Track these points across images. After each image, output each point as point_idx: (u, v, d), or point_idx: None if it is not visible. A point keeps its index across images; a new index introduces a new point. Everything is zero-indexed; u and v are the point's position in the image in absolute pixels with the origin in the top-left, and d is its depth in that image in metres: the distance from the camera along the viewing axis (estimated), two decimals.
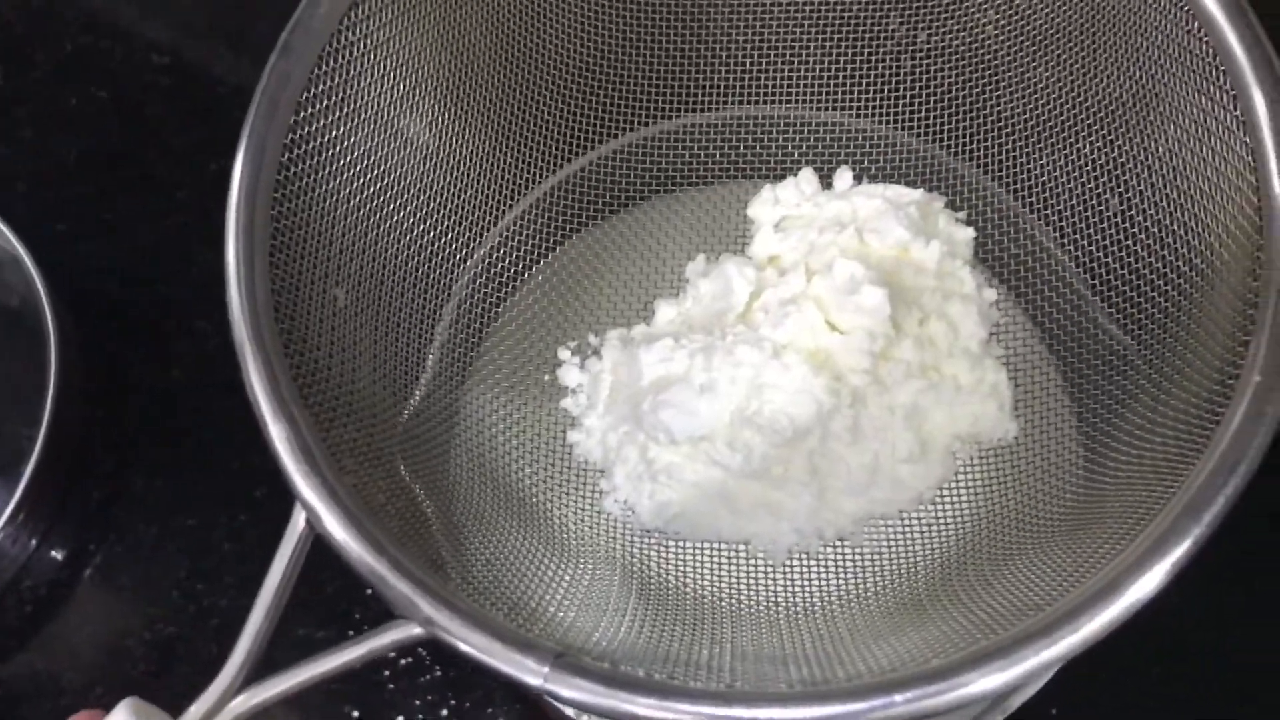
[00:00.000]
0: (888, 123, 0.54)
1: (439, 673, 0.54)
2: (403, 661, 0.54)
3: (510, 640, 0.35)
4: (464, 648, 0.35)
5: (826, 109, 0.54)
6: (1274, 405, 0.35)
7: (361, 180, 0.45)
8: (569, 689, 0.34)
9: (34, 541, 0.57)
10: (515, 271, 0.54)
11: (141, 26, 0.67)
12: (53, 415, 0.53)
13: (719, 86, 0.54)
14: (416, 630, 0.35)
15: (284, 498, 0.55)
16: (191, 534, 0.56)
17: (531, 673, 0.34)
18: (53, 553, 0.57)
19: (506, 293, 0.54)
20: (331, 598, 0.54)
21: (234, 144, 0.61)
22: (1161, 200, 0.45)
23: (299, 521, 0.37)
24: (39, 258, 0.55)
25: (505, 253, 0.54)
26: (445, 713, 0.53)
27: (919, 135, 0.53)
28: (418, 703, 0.53)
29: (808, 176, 0.54)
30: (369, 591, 0.54)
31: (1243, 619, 0.52)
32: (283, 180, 0.41)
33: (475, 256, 0.52)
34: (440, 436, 0.50)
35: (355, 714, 0.53)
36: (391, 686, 0.54)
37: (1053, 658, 0.34)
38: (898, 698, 0.33)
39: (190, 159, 0.63)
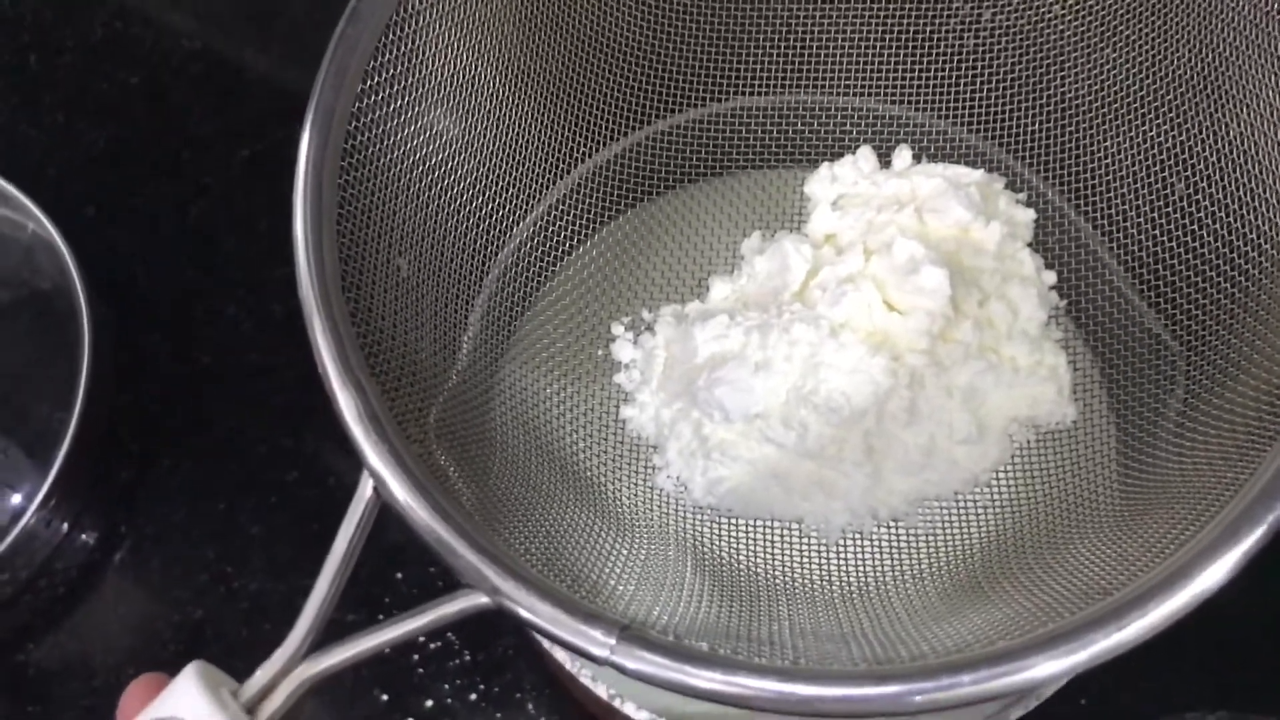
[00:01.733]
0: (945, 116, 0.53)
1: (468, 657, 0.54)
2: (432, 645, 0.54)
3: (577, 612, 0.35)
4: (531, 618, 0.35)
5: (886, 99, 0.54)
6: None
7: (425, 150, 0.45)
8: (634, 661, 0.34)
9: (65, 525, 0.57)
10: (567, 245, 0.54)
11: (171, 14, 0.67)
12: (85, 399, 0.53)
13: (778, 69, 0.54)
14: (483, 599, 0.35)
15: (313, 482, 0.56)
16: (220, 517, 0.57)
17: (598, 644, 0.34)
18: (84, 536, 0.58)
19: (558, 265, 0.54)
20: (364, 580, 0.55)
21: (261, 131, 0.62)
22: (1231, 186, 0.44)
23: (366, 490, 0.37)
24: (70, 242, 0.55)
25: (558, 226, 0.54)
26: (474, 697, 0.53)
27: (977, 130, 0.53)
28: (446, 687, 0.54)
29: (866, 154, 0.54)
30: (399, 575, 0.54)
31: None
32: (349, 149, 0.41)
33: (529, 227, 0.52)
34: (483, 408, 0.50)
35: (384, 698, 0.53)
36: (420, 671, 0.54)
37: (1122, 642, 0.33)
38: (965, 678, 0.33)
39: (218, 146, 0.64)
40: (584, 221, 0.54)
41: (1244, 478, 0.36)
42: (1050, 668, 0.34)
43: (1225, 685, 0.52)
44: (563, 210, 0.53)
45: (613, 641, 0.34)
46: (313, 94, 0.41)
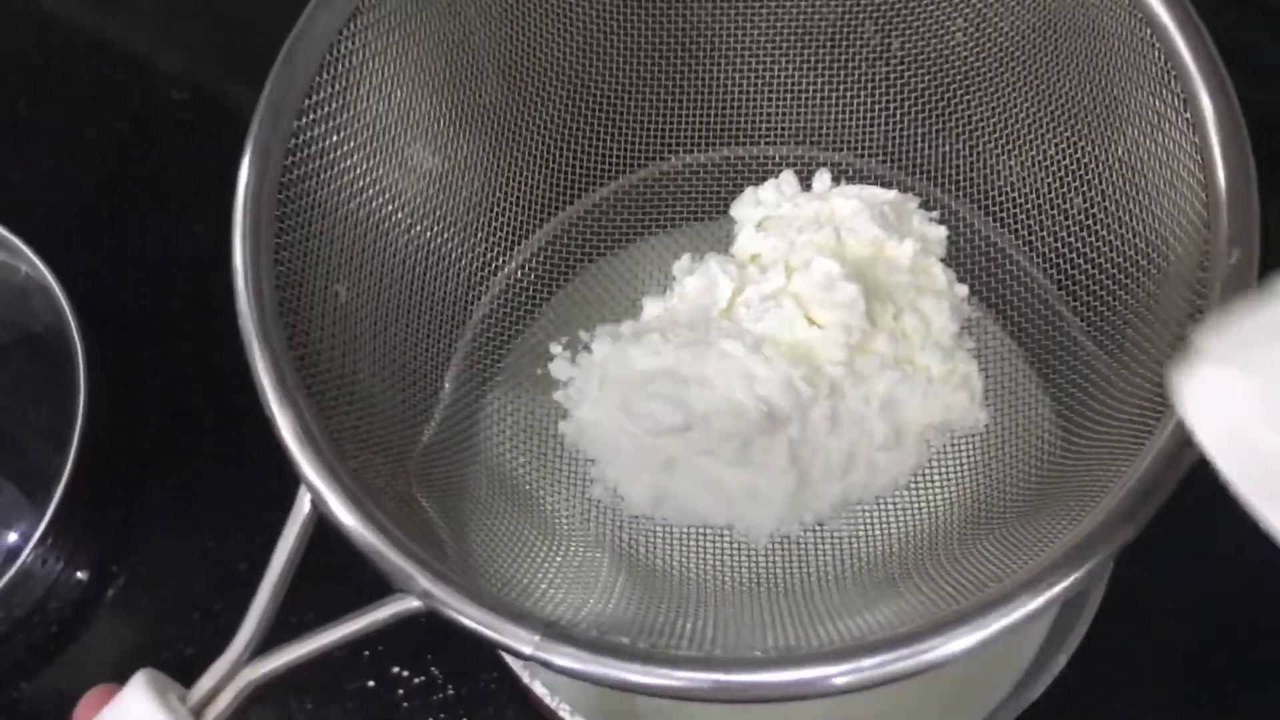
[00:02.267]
0: (863, 154, 0.56)
1: (450, 691, 0.55)
2: (416, 680, 0.55)
3: (503, 611, 0.37)
4: (460, 619, 0.37)
5: (808, 142, 0.57)
6: None
7: (361, 184, 0.48)
8: (559, 657, 0.37)
9: (61, 563, 0.58)
10: (498, 269, 0.56)
11: (160, 59, 0.68)
12: (81, 439, 0.54)
13: (698, 127, 0.57)
14: (415, 603, 0.38)
15: None
16: (210, 555, 0.58)
17: (523, 641, 0.37)
18: (78, 574, 0.58)
19: (490, 285, 0.56)
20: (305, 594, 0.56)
21: None
22: (1121, 198, 0.47)
23: (304, 504, 0.39)
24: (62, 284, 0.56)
25: (491, 251, 0.56)
26: None
27: (893, 160, 0.56)
28: None
29: (788, 178, 0.56)
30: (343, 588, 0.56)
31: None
32: (286, 183, 0.44)
33: (460, 254, 0.55)
34: (443, 435, 0.52)
35: None
36: (405, 705, 0.55)
37: (1010, 623, 0.36)
38: (866, 661, 0.36)
39: (207, 191, 0.64)
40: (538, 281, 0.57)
41: (1127, 470, 0.39)
42: (946, 649, 0.36)
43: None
44: (497, 239, 0.56)
45: (537, 638, 0.37)
46: (250, 128, 0.43)
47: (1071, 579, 0.36)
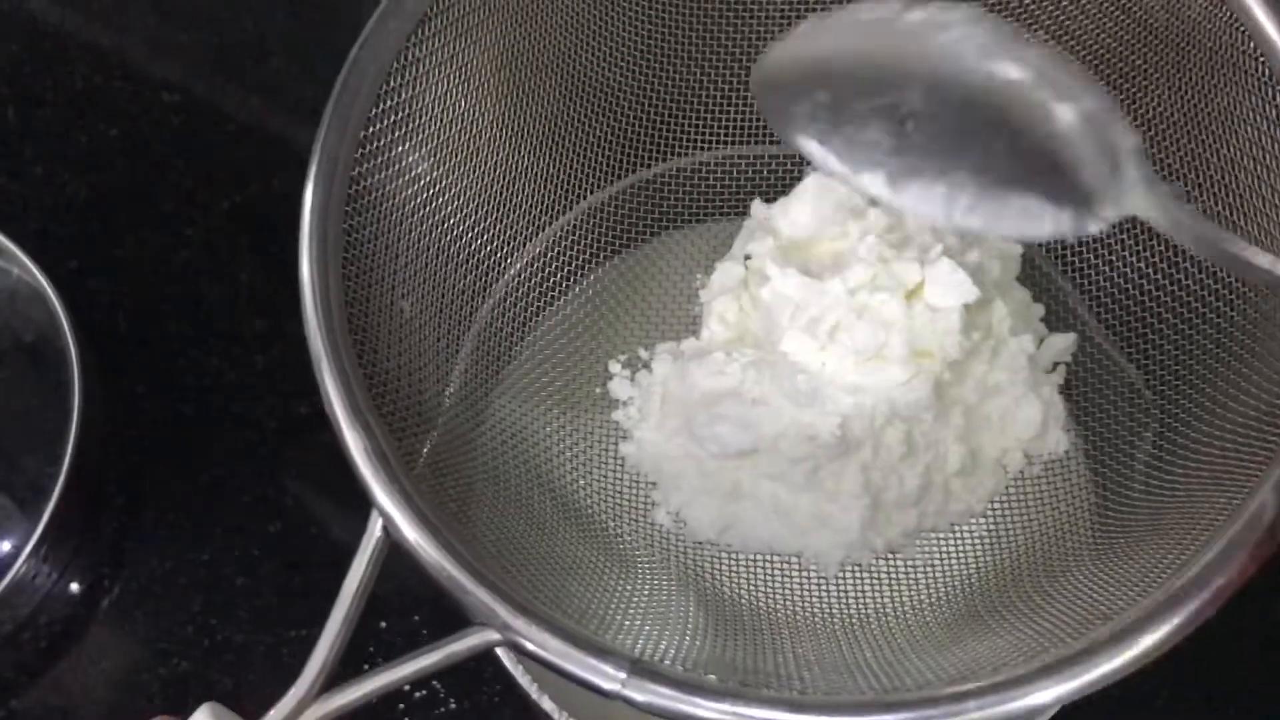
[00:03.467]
0: None
1: (453, 704, 0.54)
2: (417, 694, 0.54)
3: (587, 646, 0.35)
4: (542, 653, 0.35)
5: None
6: None
7: (425, 194, 0.46)
8: (645, 694, 0.35)
9: (54, 575, 0.56)
10: (563, 284, 0.55)
11: (151, 66, 0.67)
12: (75, 450, 0.52)
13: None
14: (494, 635, 0.36)
15: (295, 532, 0.56)
16: (204, 568, 0.57)
17: (608, 678, 0.35)
18: (71, 587, 0.57)
19: (554, 305, 0.54)
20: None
21: (242, 181, 0.63)
22: (1217, 219, 0.45)
23: (375, 530, 0.37)
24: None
25: (553, 267, 0.54)
26: None
27: None
28: None
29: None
30: (382, 625, 0.54)
31: None
32: (353, 194, 0.42)
33: (525, 266, 0.53)
34: (479, 444, 0.50)
35: None
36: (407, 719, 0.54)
37: (1122, 665, 0.34)
38: (971, 704, 0.34)
39: (199, 197, 0.64)
40: (578, 263, 0.55)
41: (1237, 503, 0.37)
42: (1053, 693, 0.34)
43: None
44: (558, 251, 0.54)
45: (623, 675, 0.35)
46: (316, 142, 0.42)
47: (1183, 618, 0.34)
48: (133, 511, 0.58)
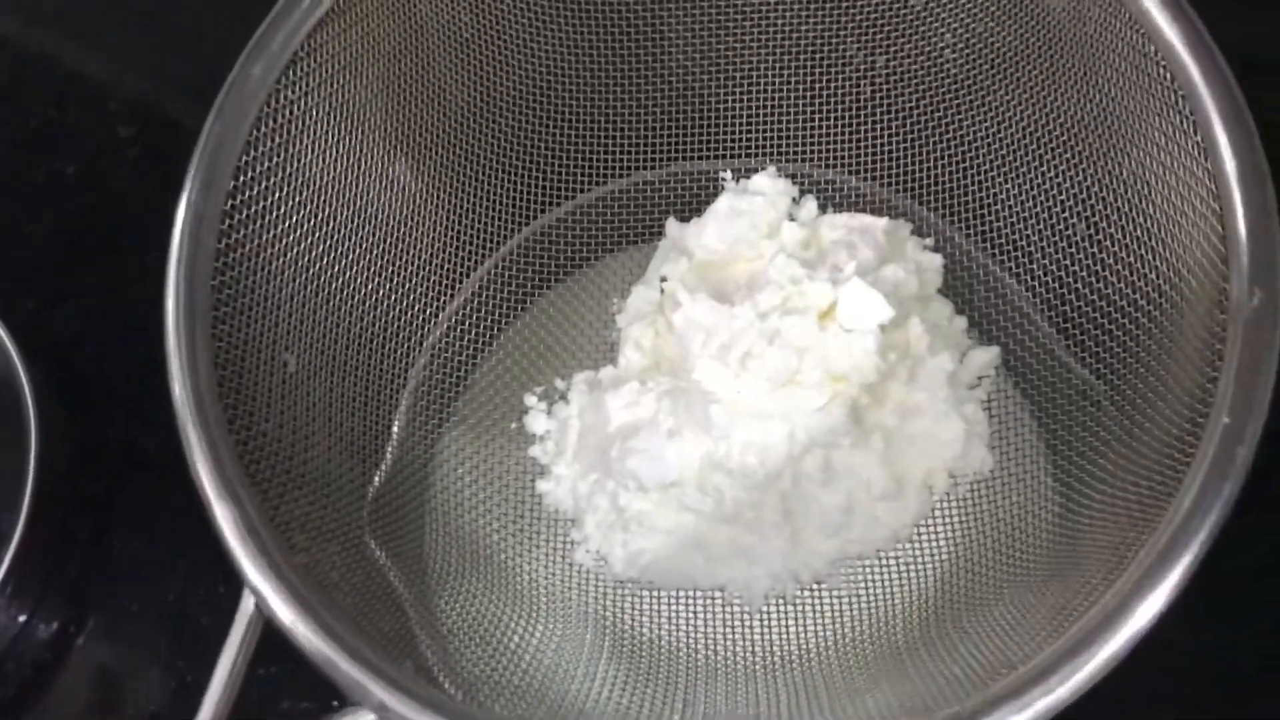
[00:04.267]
0: (852, 171, 0.53)
1: None
2: None
3: None
4: None
5: (790, 159, 0.53)
6: (1244, 449, 0.34)
7: (309, 242, 0.44)
8: None
9: (22, 618, 0.56)
10: (484, 330, 0.53)
11: (107, 98, 0.66)
12: (34, 492, 0.51)
13: (677, 141, 0.54)
14: (370, 717, 0.34)
15: None
16: (171, 608, 0.55)
17: None
18: (40, 628, 0.56)
19: (475, 351, 0.53)
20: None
21: None
22: (1128, 225, 0.44)
23: (248, 605, 0.36)
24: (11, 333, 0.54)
25: (471, 312, 0.53)
26: None
27: (880, 179, 0.52)
28: None
29: (809, 206, 0.53)
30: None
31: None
32: (223, 249, 0.40)
33: (441, 315, 0.51)
34: (410, 501, 0.48)
35: None
36: None
37: None
38: None
39: (158, 229, 0.62)
40: (501, 312, 0.54)
41: (1146, 536, 0.35)
42: None
43: None
44: (475, 296, 0.52)
45: None
46: (181, 196, 0.40)
47: (1090, 670, 0.33)
48: (99, 550, 0.57)
